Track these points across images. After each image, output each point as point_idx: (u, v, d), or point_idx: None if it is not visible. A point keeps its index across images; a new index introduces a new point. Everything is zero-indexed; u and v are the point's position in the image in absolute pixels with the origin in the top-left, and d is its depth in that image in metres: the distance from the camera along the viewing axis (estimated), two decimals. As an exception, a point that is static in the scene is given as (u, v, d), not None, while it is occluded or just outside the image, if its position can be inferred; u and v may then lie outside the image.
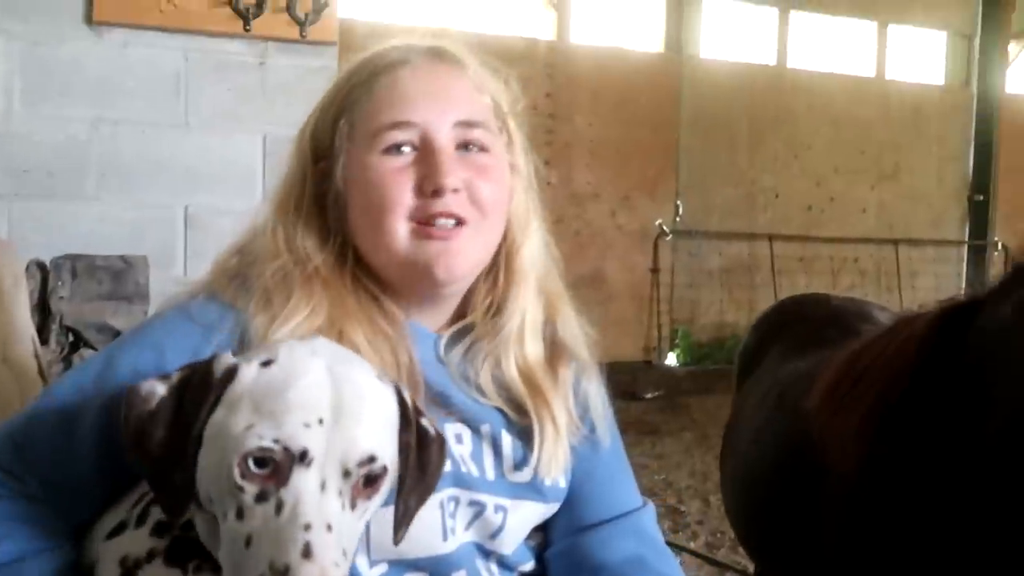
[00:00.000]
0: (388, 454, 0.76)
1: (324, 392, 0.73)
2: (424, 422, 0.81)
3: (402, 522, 0.79)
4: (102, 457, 0.86)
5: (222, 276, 0.96)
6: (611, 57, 8.39)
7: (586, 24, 8.43)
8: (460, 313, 1.01)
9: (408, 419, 0.79)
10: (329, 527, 0.69)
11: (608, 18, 8.51)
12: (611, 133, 8.31)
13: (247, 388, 0.74)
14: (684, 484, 4.50)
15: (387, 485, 0.77)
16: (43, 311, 2.03)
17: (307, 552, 0.67)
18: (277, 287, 0.92)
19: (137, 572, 0.79)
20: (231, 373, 0.75)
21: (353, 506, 0.73)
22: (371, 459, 0.73)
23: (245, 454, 0.70)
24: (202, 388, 0.75)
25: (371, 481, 0.74)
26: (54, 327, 2.04)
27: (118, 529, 0.83)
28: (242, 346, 0.89)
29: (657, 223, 8.52)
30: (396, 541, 0.79)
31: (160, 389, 0.76)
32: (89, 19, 2.17)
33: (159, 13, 2.18)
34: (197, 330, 0.90)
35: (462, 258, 0.94)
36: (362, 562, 0.89)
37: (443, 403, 0.95)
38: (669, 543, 3.70)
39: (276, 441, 0.70)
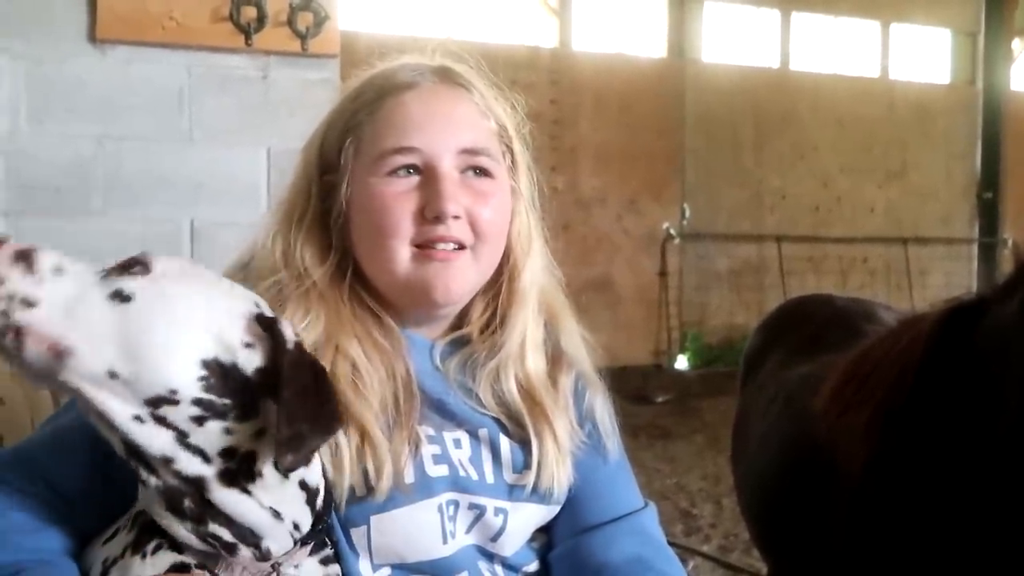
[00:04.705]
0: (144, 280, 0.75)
1: None
2: (319, 366, 0.79)
3: (288, 446, 0.73)
4: (101, 473, 0.86)
5: None
6: (614, 63, 8.41)
7: (588, 31, 8.46)
8: (455, 323, 1.03)
9: (278, 340, 0.77)
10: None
11: (610, 24, 8.53)
12: (616, 138, 8.32)
13: None
14: (696, 487, 4.48)
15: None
16: (52, 327, 2.04)
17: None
18: (272, 301, 0.92)
19: (112, 570, 0.80)
20: None
21: None
22: None
23: None
24: None
25: None
26: (63, 343, 2.05)
27: (112, 535, 0.84)
28: None
29: (664, 226, 8.52)
30: (280, 465, 0.74)
31: None
32: (92, 37, 2.18)
33: (161, 30, 2.19)
34: None
35: (460, 281, 0.95)
36: (365, 566, 0.90)
37: (441, 410, 0.96)
38: (682, 546, 3.65)
39: None
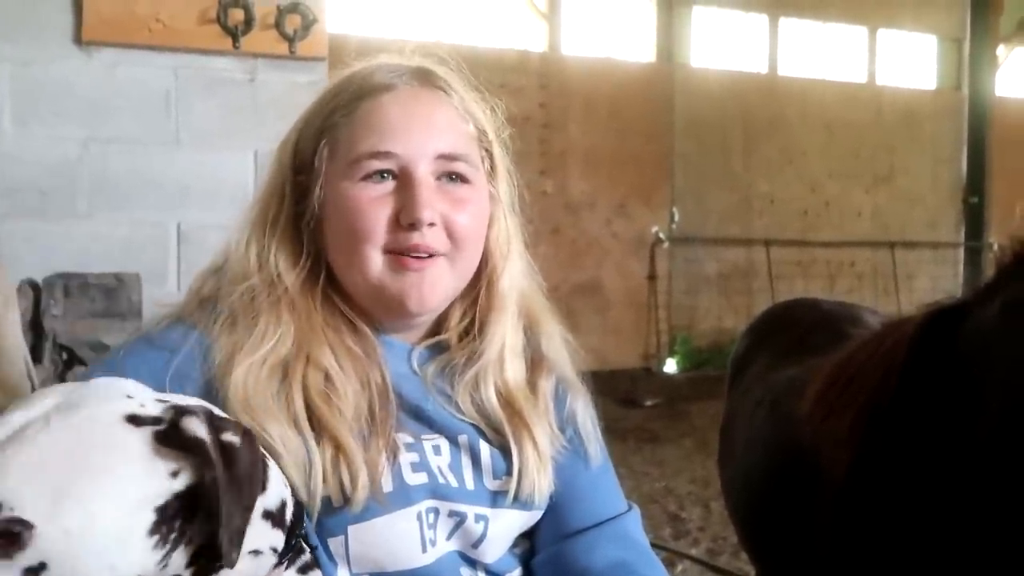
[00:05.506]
0: (39, 510, 0.63)
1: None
2: (227, 437, 0.69)
3: (232, 545, 0.68)
4: None
5: (193, 299, 0.96)
6: (603, 67, 8.44)
7: (577, 35, 8.48)
8: (434, 329, 1.01)
9: (203, 452, 0.68)
10: None
11: (599, 29, 8.56)
12: (605, 142, 8.34)
13: None
14: (685, 491, 4.49)
15: (30, 551, 0.62)
16: (36, 330, 2.03)
17: None
18: (244, 309, 0.90)
19: None
20: None
21: None
22: None
23: None
24: None
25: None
26: (48, 346, 2.04)
27: None
28: (204, 367, 0.88)
29: (653, 230, 8.54)
30: (229, 563, 0.69)
31: None
32: (78, 39, 2.18)
33: (148, 32, 2.19)
34: (159, 356, 0.89)
35: (434, 290, 0.93)
36: (343, 575, 0.89)
37: (419, 416, 0.94)
38: (670, 550, 3.64)
39: None
